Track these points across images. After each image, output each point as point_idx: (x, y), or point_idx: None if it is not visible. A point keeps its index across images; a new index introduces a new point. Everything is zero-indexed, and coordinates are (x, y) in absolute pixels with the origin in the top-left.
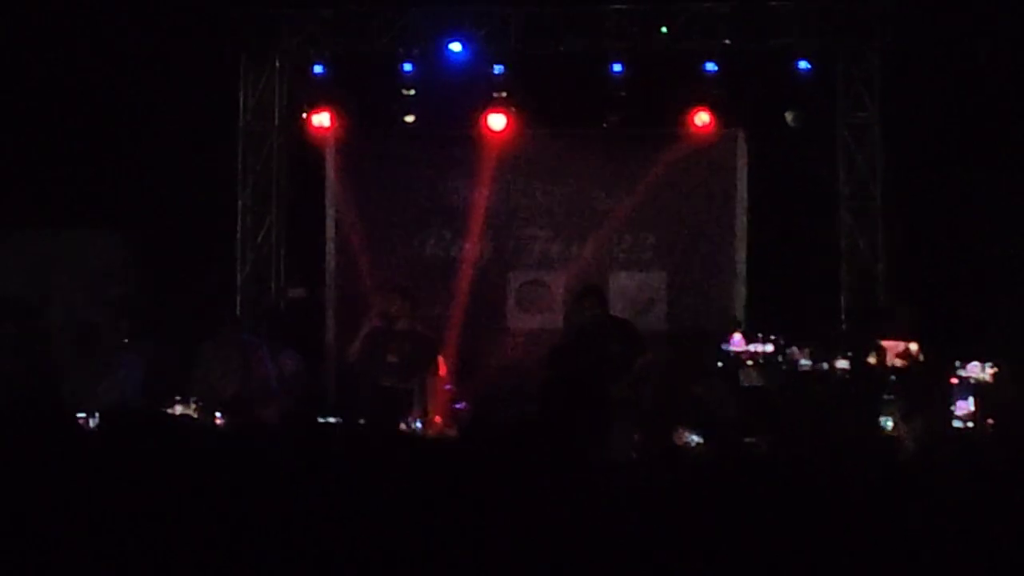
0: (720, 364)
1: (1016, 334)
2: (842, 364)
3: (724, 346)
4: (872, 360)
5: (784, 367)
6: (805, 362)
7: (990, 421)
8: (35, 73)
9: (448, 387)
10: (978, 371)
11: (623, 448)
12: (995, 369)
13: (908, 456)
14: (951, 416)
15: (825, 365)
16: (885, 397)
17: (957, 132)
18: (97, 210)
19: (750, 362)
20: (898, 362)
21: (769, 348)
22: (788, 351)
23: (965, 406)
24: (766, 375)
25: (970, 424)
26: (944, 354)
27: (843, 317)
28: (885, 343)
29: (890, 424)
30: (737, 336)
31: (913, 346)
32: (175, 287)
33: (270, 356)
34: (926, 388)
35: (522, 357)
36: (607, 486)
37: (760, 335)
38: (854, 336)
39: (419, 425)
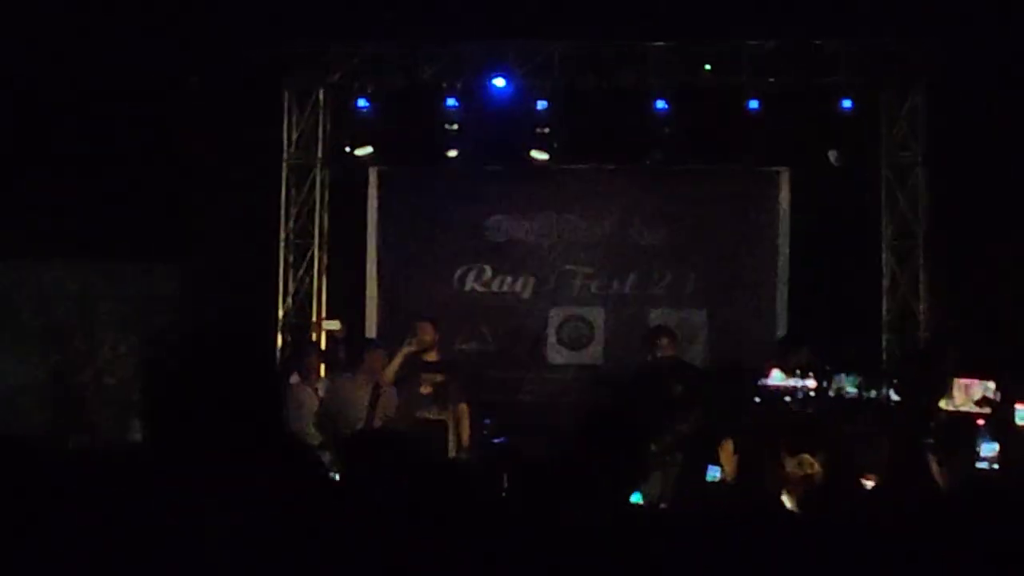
0: (757, 400)
1: None
2: (893, 396)
3: (761, 381)
4: (946, 405)
5: (831, 394)
6: (851, 390)
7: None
8: (84, 107)
9: (487, 421)
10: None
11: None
12: None
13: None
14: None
15: (873, 394)
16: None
17: (1001, 171)
18: (143, 243)
19: (788, 398)
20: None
21: (811, 384)
22: (836, 377)
23: (991, 449)
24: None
25: (995, 466)
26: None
27: (884, 357)
28: (963, 381)
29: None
30: (775, 371)
31: (991, 385)
32: (218, 320)
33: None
34: (961, 429)
35: (562, 393)
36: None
37: (798, 371)
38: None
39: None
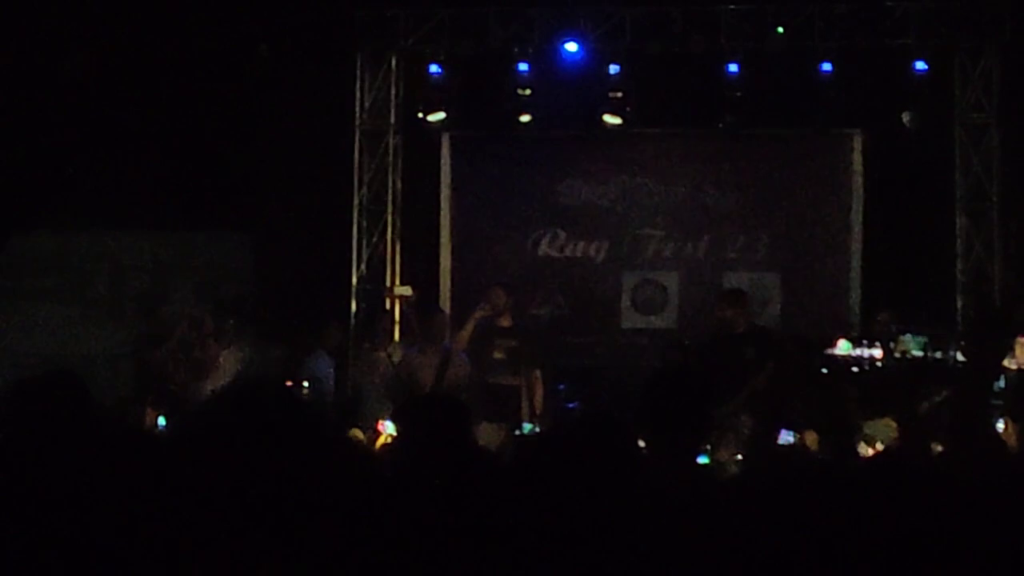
0: (824, 371)
1: None
2: (959, 356)
3: (829, 351)
4: (1010, 364)
5: (896, 355)
6: (917, 352)
7: None
8: (155, 77)
9: (561, 386)
10: None
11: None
12: None
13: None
14: None
15: (939, 354)
16: (993, 402)
17: None
18: (215, 212)
19: (855, 368)
20: None
21: (877, 353)
22: (902, 338)
23: None
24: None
25: None
26: None
27: (958, 319)
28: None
29: (1000, 426)
30: (841, 341)
31: None
32: (292, 287)
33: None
34: None
35: (636, 357)
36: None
37: (865, 341)
38: (986, 332)
39: (529, 427)
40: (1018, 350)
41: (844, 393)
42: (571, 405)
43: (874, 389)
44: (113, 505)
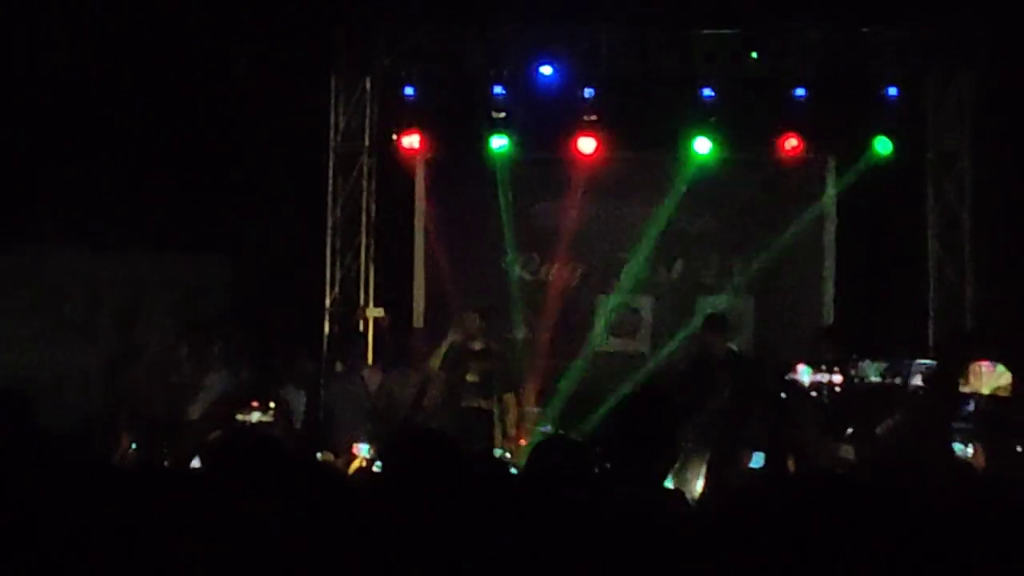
0: (783, 395)
1: None
2: (916, 382)
3: (789, 376)
4: (965, 388)
5: (855, 380)
6: (875, 377)
7: None
8: (133, 96)
9: (535, 409)
10: None
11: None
12: None
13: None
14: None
15: (898, 380)
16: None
17: None
18: (191, 232)
19: (814, 393)
20: (987, 390)
21: (837, 379)
22: (860, 364)
23: None
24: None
25: None
26: None
27: (931, 344)
28: (978, 363)
29: (969, 451)
30: (801, 366)
31: (1007, 373)
32: (266, 308)
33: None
34: (1002, 413)
35: (610, 380)
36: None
37: (824, 366)
38: (942, 358)
39: (500, 452)
40: (971, 376)
41: (802, 418)
42: (544, 428)
43: (832, 414)
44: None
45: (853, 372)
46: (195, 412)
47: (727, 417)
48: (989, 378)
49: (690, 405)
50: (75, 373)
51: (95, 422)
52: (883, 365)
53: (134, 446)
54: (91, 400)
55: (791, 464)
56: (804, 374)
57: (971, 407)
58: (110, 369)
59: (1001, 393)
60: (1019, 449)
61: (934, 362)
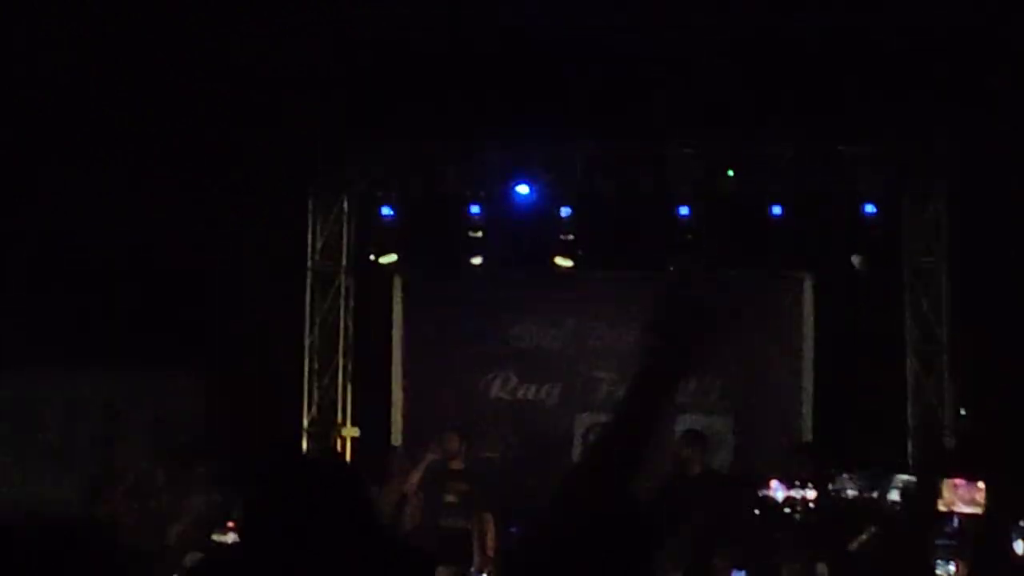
0: (757, 512)
1: None
2: (894, 496)
3: (762, 492)
4: (941, 506)
5: (834, 494)
6: (852, 491)
7: None
8: (108, 216)
9: (513, 530)
10: None
11: None
12: None
13: None
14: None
15: (875, 494)
16: (941, 542)
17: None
18: (167, 353)
19: (787, 510)
20: (965, 508)
21: (810, 495)
22: (838, 478)
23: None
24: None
25: None
26: (1010, 502)
27: (910, 462)
28: (952, 481)
29: (951, 569)
30: (774, 482)
31: (980, 486)
32: (244, 429)
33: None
34: (987, 532)
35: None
36: None
37: (797, 482)
38: (920, 473)
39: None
40: (946, 492)
41: (772, 535)
42: (513, 529)
43: (805, 530)
44: None
45: (831, 486)
46: (173, 536)
47: (701, 538)
48: (965, 493)
49: (663, 525)
50: (53, 501)
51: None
52: (860, 479)
53: None
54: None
55: None
56: (778, 491)
57: (955, 524)
58: (87, 497)
59: (975, 509)
60: (1001, 566)
61: (912, 477)
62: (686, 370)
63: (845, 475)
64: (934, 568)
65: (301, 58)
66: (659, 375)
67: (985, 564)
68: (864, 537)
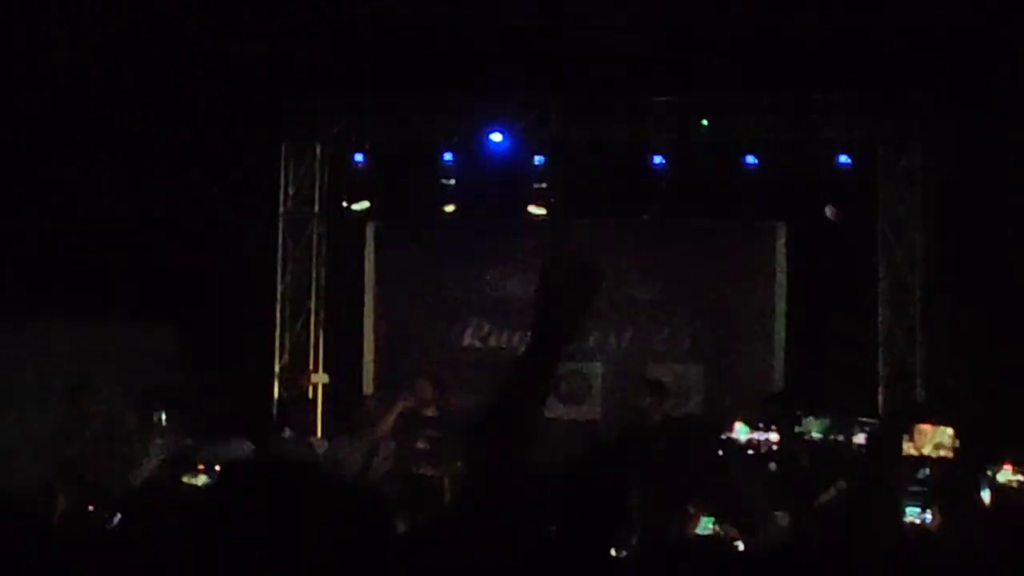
0: (720, 453)
1: None
2: (859, 440)
3: (725, 435)
4: (911, 450)
5: (802, 436)
6: (817, 434)
7: None
8: (73, 162)
9: None
10: (1009, 474)
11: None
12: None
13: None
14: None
15: (841, 438)
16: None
17: (997, 226)
18: (134, 300)
19: (751, 452)
20: (932, 451)
21: (774, 437)
22: (804, 420)
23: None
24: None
25: None
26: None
27: (880, 411)
28: (920, 426)
29: (928, 517)
30: (738, 424)
31: (949, 431)
32: (216, 376)
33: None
34: (956, 479)
35: (559, 447)
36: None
37: (761, 424)
38: (886, 419)
39: None
40: (916, 435)
41: (736, 480)
42: None
43: (770, 477)
44: None
45: (797, 428)
46: (137, 478)
47: (666, 485)
48: (932, 436)
49: (625, 475)
50: (28, 444)
51: (40, 487)
52: (826, 422)
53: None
54: (43, 467)
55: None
56: (741, 432)
57: (927, 471)
58: (59, 438)
59: (943, 452)
60: (973, 510)
61: (877, 421)
62: (569, 335)
63: (811, 417)
64: (903, 515)
65: (275, 6)
66: (546, 341)
67: (955, 511)
68: (833, 491)
